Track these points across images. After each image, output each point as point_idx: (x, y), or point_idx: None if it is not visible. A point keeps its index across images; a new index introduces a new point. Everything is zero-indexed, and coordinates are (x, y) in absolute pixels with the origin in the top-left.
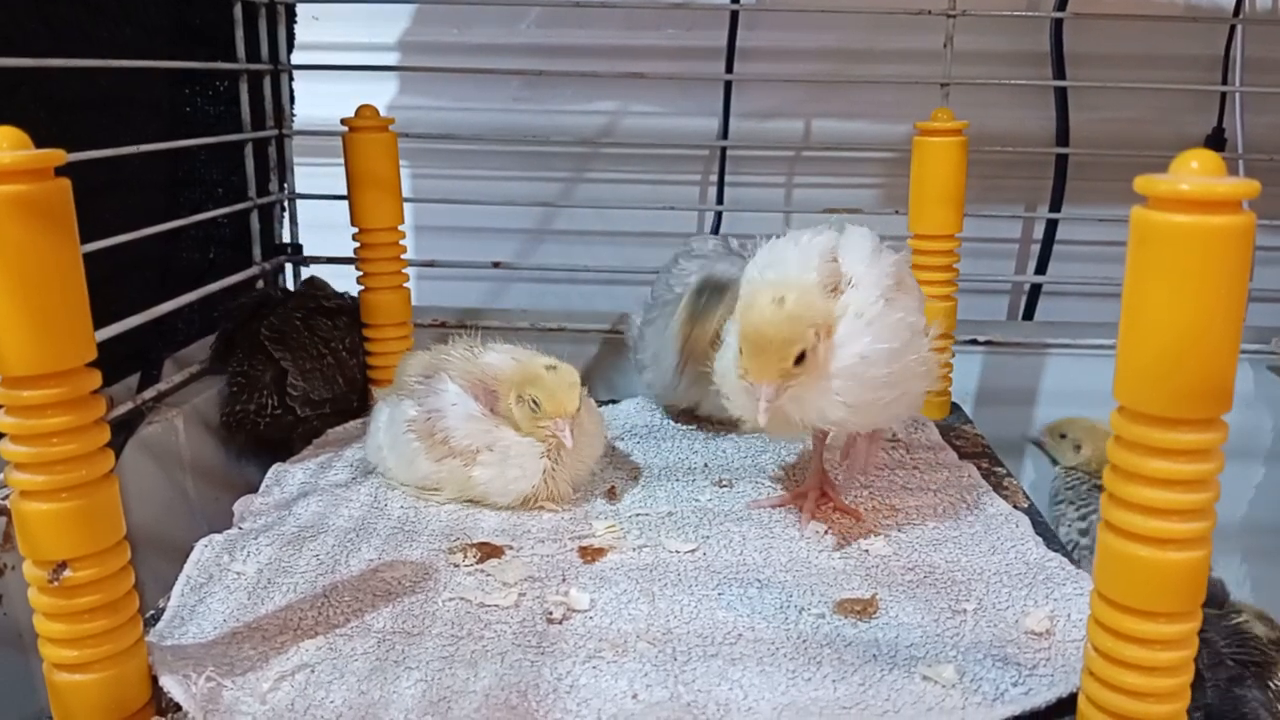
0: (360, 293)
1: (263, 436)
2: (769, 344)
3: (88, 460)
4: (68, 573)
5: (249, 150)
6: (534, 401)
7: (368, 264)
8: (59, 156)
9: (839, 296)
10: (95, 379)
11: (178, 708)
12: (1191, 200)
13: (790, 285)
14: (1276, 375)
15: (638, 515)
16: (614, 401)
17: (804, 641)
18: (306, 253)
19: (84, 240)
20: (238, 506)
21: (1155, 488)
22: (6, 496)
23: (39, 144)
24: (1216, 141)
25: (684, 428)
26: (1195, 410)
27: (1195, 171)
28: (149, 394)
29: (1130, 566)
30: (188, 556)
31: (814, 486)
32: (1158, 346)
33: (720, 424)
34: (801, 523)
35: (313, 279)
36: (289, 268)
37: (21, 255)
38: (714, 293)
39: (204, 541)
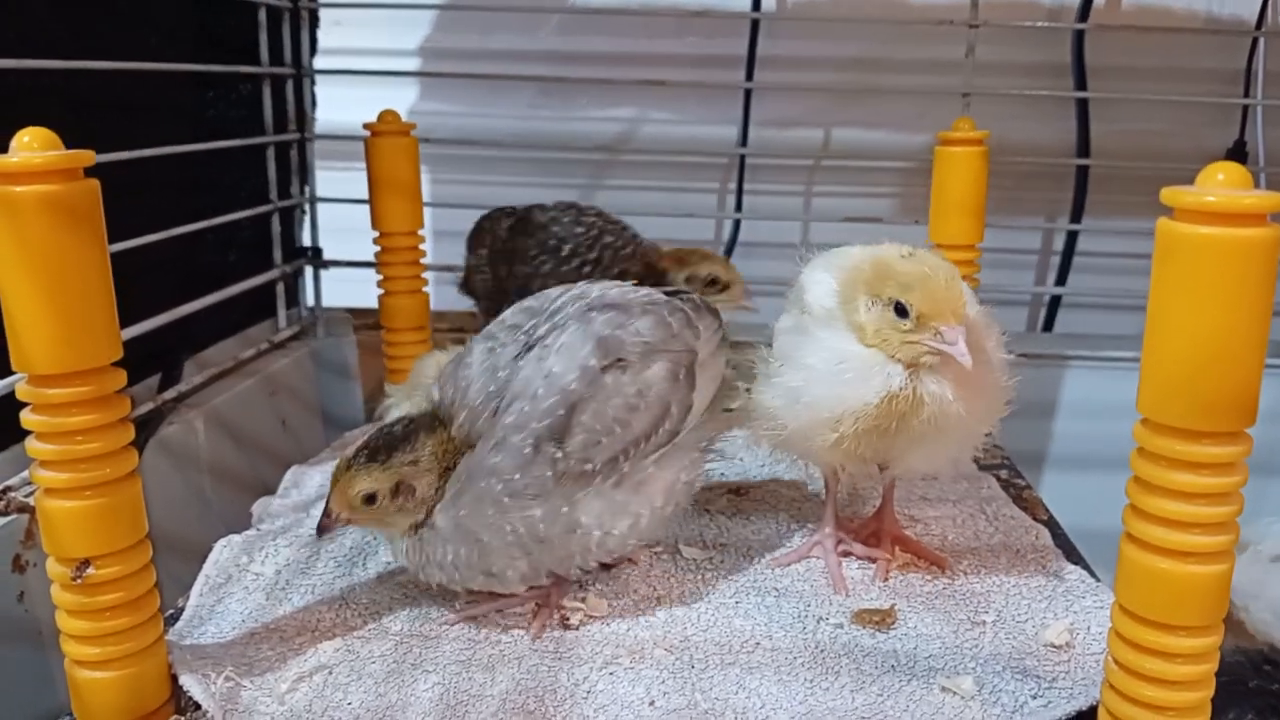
0: (380, 296)
1: None
2: (943, 280)
3: (112, 459)
4: (90, 570)
5: (271, 154)
6: (900, 307)
7: (387, 268)
8: (88, 157)
9: None
10: (120, 378)
11: (197, 706)
12: (1218, 213)
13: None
14: None
15: None
16: None
17: (822, 651)
18: (326, 256)
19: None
20: (256, 508)
21: (1178, 500)
22: (31, 494)
23: (65, 145)
24: (1238, 154)
25: None
26: (1219, 423)
27: (1221, 184)
28: (169, 395)
29: (1152, 579)
30: (206, 557)
31: (887, 533)
32: (1182, 358)
33: None
34: (880, 576)
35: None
36: (309, 271)
37: (50, 254)
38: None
39: (223, 542)
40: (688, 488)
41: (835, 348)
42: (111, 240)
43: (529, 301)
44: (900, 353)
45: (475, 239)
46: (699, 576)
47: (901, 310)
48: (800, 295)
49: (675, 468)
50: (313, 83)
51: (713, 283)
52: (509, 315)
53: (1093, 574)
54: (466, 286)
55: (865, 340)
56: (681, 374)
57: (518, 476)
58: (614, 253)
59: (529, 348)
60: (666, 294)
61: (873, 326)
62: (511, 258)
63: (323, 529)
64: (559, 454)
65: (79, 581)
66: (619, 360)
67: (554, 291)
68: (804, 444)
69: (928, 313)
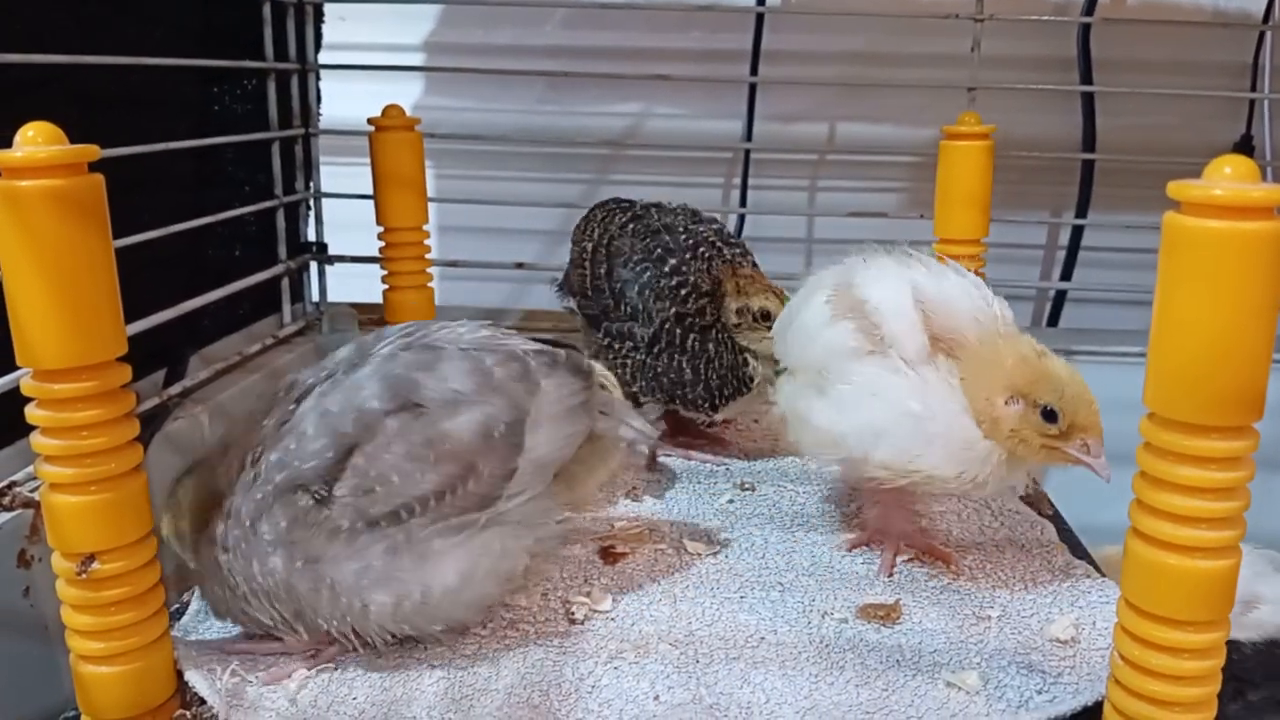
0: (384, 292)
1: None
2: (1088, 390)
3: (117, 453)
4: (95, 565)
5: (276, 149)
6: (1050, 412)
7: (392, 263)
8: (93, 152)
9: None
10: (125, 373)
11: (202, 702)
12: (1225, 206)
13: (1020, 335)
14: None
15: (659, 517)
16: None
17: (826, 646)
18: (331, 252)
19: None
20: None
21: (1185, 495)
22: (36, 489)
23: (70, 140)
24: (1245, 148)
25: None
26: (1226, 417)
27: (1229, 177)
28: (174, 390)
29: (1159, 574)
30: None
31: (896, 529)
32: (1189, 353)
33: None
34: (885, 571)
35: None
36: (314, 266)
37: (55, 249)
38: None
39: None
40: (493, 577)
41: (951, 419)
42: (117, 235)
43: (370, 336)
44: (1037, 456)
45: (582, 230)
46: (703, 571)
47: (1051, 415)
48: (860, 306)
49: (479, 544)
50: (317, 78)
51: (765, 317)
52: (346, 347)
53: (1098, 569)
54: (566, 284)
55: (991, 433)
56: (499, 432)
57: (249, 523)
58: (705, 274)
59: (329, 379)
60: (531, 338)
61: (1009, 425)
62: (614, 258)
63: None
64: (307, 503)
65: (84, 576)
66: (415, 405)
67: (395, 329)
68: (852, 462)
69: (1081, 424)
